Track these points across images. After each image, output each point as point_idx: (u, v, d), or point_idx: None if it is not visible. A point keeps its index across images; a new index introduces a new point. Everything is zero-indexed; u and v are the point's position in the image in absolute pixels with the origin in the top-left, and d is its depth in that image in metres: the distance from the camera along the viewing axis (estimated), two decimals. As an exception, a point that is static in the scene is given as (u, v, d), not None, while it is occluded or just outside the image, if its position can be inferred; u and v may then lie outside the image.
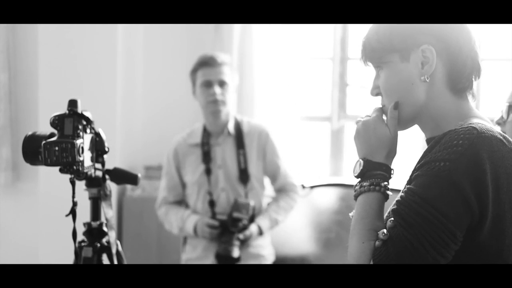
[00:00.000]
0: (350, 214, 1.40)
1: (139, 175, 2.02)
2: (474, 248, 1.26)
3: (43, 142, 1.68)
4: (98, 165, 1.88)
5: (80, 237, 1.86)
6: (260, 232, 2.91)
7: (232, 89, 2.96)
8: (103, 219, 1.92)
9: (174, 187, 3.02)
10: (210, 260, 2.89)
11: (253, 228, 2.88)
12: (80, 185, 1.84)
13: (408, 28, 1.36)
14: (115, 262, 1.88)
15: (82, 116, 1.75)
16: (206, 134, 2.98)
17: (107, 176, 1.91)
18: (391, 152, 1.40)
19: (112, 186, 1.94)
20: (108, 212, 1.88)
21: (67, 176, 1.75)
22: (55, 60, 3.57)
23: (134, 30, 3.71)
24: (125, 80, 3.66)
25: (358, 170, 1.39)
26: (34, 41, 3.63)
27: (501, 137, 1.28)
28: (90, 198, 1.92)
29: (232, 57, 3.53)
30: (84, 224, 1.91)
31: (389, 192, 1.37)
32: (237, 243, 2.82)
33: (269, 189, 3.13)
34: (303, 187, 3.47)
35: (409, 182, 1.32)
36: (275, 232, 3.11)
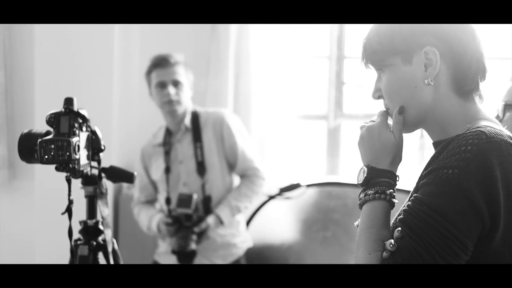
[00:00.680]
0: (355, 223, 1.37)
1: (135, 173, 2.02)
2: (486, 257, 1.22)
3: (39, 140, 1.68)
4: (94, 163, 1.88)
5: (76, 235, 1.86)
6: (221, 222, 2.93)
7: (187, 87, 2.98)
8: (99, 217, 1.92)
9: (145, 187, 3.10)
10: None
11: (210, 219, 2.91)
12: (76, 183, 1.84)
13: (410, 29, 1.32)
14: (111, 261, 1.88)
15: (78, 114, 1.75)
16: (168, 133, 3.05)
17: (103, 174, 1.91)
18: (396, 158, 1.37)
19: (108, 185, 1.94)
20: (104, 211, 1.88)
21: (63, 174, 1.75)
22: (51, 58, 3.56)
23: (130, 29, 3.70)
24: (122, 79, 3.65)
25: (362, 178, 1.36)
26: (30, 39, 3.62)
27: (511, 141, 1.24)
28: (86, 196, 1.92)
29: (229, 56, 3.54)
30: (80, 222, 1.91)
31: (395, 200, 1.33)
32: (193, 237, 2.84)
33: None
34: (300, 185, 3.47)
35: (416, 190, 1.28)
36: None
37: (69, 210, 1.76)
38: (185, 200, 2.87)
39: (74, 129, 1.73)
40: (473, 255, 1.21)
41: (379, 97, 1.40)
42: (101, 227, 1.92)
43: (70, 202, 1.76)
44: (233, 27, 3.57)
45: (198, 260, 2.96)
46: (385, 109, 1.40)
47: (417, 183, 1.29)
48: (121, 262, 1.95)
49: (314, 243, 3.53)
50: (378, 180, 1.33)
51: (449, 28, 1.31)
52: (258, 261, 3.46)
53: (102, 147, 1.88)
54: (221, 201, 2.98)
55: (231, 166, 3.03)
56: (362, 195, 1.35)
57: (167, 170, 2.99)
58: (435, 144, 1.36)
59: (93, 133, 1.86)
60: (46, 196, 3.43)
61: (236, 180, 3.10)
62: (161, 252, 3.08)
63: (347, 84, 3.87)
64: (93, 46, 3.54)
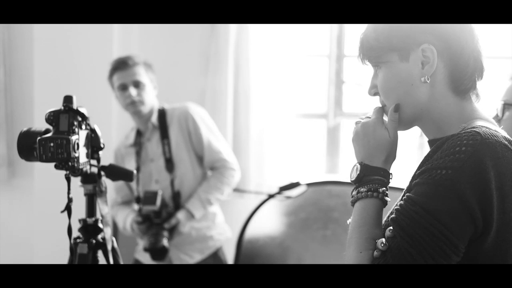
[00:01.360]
0: (348, 221, 1.36)
1: (135, 171, 2.02)
2: (478, 258, 1.21)
3: (38, 138, 1.68)
4: (94, 162, 1.88)
5: (75, 233, 1.85)
6: (192, 215, 2.95)
7: (149, 86, 2.99)
8: (98, 216, 1.92)
9: (121, 189, 3.12)
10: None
11: (180, 214, 2.93)
12: (76, 181, 1.84)
13: (408, 26, 1.30)
14: (111, 259, 1.88)
15: (77, 112, 1.75)
16: (138, 133, 3.07)
17: (102, 173, 1.91)
18: (390, 156, 1.35)
19: (107, 183, 1.94)
20: (104, 209, 1.88)
21: (62, 173, 1.75)
22: (51, 56, 3.56)
23: (130, 29, 3.70)
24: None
25: (355, 175, 1.34)
26: (29, 37, 3.62)
27: (506, 142, 1.23)
28: (85, 194, 1.92)
29: (228, 55, 3.54)
30: (80, 220, 1.91)
31: (387, 198, 1.32)
32: (164, 233, 2.86)
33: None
34: (299, 184, 3.47)
35: (408, 190, 1.27)
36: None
37: (68, 208, 1.76)
38: (150, 197, 2.90)
39: (74, 127, 1.73)
40: (464, 257, 1.20)
41: (375, 94, 1.39)
42: (100, 225, 1.92)
43: (70, 200, 1.76)
44: (233, 26, 3.57)
45: (176, 256, 3.00)
46: (381, 106, 1.39)
47: (410, 182, 1.28)
48: (121, 261, 1.95)
49: (314, 242, 3.53)
50: (371, 177, 1.32)
51: (447, 25, 1.30)
52: (258, 260, 3.46)
53: (102, 145, 1.88)
54: (191, 195, 3.00)
55: (201, 160, 3.04)
56: (354, 193, 1.34)
57: (137, 169, 3.02)
58: (431, 143, 1.35)
59: (92, 131, 1.86)
60: (46, 194, 3.43)
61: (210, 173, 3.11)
62: (140, 250, 3.11)
63: (347, 83, 3.87)
64: (93, 45, 3.54)
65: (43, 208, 3.54)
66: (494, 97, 1.89)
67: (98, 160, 1.88)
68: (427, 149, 1.34)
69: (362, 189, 1.32)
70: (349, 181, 1.36)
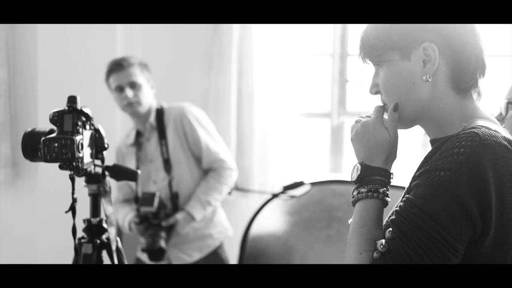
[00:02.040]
0: (349, 221, 1.35)
1: (139, 171, 2.02)
2: (477, 260, 1.21)
3: (43, 138, 1.68)
4: (98, 162, 1.88)
5: (80, 233, 1.86)
6: (193, 218, 2.95)
7: (146, 86, 2.99)
8: (103, 216, 1.92)
9: (122, 187, 3.13)
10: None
11: (179, 215, 2.93)
12: (80, 181, 1.84)
13: (409, 25, 1.29)
14: (115, 259, 1.88)
15: (81, 112, 1.75)
16: (138, 133, 3.08)
17: (106, 173, 1.91)
18: (391, 156, 1.34)
19: (111, 183, 1.94)
20: (108, 209, 1.88)
21: (66, 173, 1.75)
22: (55, 56, 3.57)
23: (133, 29, 3.70)
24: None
25: (355, 175, 1.34)
26: (33, 37, 3.62)
27: (506, 143, 1.21)
28: (89, 194, 1.92)
29: (232, 55, 3.54)
30: (84, 220, 1.91)
31: (387, 199, 1.31)
32: (162, 234, 2.87)
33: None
34: (303, 183, 3.47)
35: (408, 191, 1.26)
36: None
37: (72, 209, 1.76)
38: (147, 198, 2.90)
39: (78, 127, 1.73)
40: (464, 258, 1.20)
41: (376, 93, 1.38)
42: (105, 225, 1.92)
43: (74, 200, 1.76)
44: (236, 26, 3.57)
45: (175, 255, 3.00)
46: (381, 105, 1.38)
47: (410, 184, 1.27)
48: (125, 261, 1.95)
49: (318, 241, 3.53)
50: (372, 178, 1.32)
51: (448, 24, 1.29)
52: (262, 259, 3.46)
53: (106, 145, 1.88)
54: (190, 197, 3.00)
55: (199, 160, 3.04)
56: (355, 193, 1.33)
57: (136, 169, 3.02)
58: (433, 142, 1.34)
59: (96, 131, 1.86)
60: (50, 194, 3.44)
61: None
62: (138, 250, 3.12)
63: (351, 82, 3.86)
64: (96, 45, 3.55)
65: (47, 208, 3.54)
66: (497, 96, 1.88)
67: (103, 160, 1.88)
68: (430, 148, 1.33)
69: (362, 190, 1.32)
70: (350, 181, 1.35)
